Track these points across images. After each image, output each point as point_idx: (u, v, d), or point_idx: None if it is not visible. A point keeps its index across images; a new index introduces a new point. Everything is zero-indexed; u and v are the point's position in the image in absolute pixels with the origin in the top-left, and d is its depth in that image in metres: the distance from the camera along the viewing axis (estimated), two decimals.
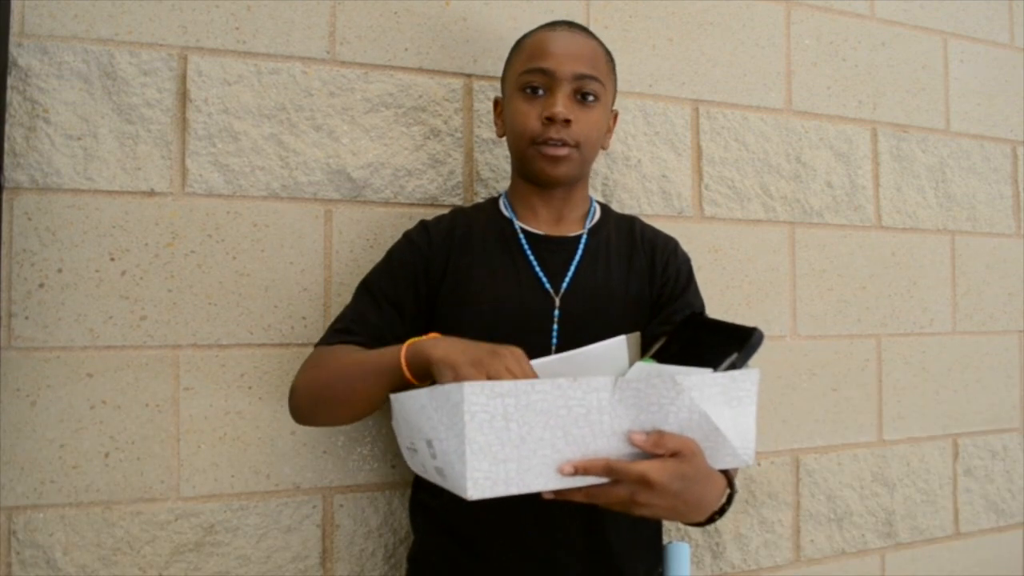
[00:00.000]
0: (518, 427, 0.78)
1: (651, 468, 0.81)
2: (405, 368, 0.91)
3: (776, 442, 1.54)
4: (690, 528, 1.44)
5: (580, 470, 0.80)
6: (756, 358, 0.89)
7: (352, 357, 1.02)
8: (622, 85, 1.44)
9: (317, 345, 1.11)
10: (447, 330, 1.07)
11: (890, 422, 1.67)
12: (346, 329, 1.08)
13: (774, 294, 1.56)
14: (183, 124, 1.17)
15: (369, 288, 1.11)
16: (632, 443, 0.82)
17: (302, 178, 1.23)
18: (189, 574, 1.14)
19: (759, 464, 1.52)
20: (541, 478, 0.79)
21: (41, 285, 1.10)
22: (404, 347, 0.93)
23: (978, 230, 1.80)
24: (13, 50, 1.09)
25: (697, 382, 0.82)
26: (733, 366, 0.86)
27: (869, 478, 1.63)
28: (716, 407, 0.84)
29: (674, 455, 0.82)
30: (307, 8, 1.24)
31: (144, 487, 1.13)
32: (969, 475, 1.75)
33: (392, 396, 0.95)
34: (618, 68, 1.44)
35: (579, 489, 0.82)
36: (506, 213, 1.16)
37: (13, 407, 1.08)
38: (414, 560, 1.15)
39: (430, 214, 1.25)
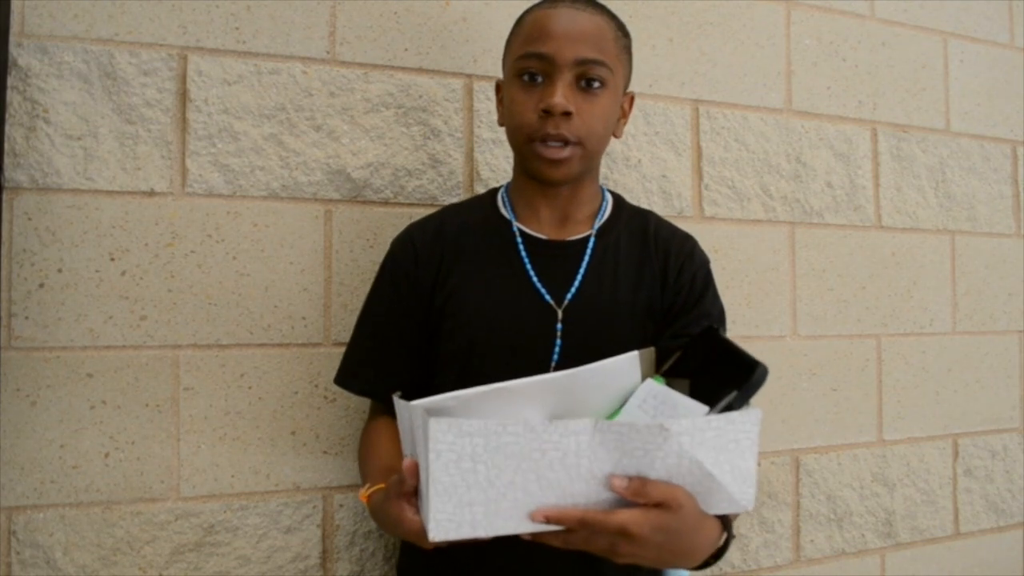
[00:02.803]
0: (486, 469, 0.73)
1: (631, 520, 0.74)
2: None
3: (776, 442, 1.54)
4: None
5: (553, 519, 0.74)
6: (755, 357, 0.87)
7: (363, 468, 1.08)
8: None
9: (363, 398, 1.18)
10: (444, 344, 1.05)
11: (890, 422, 1.67)
12: (365, 387, 1.10)
13: (774, 294, 1.56)
14: (183, 124, 1.17)
15: (372, 321, 1.10)
16: (612, 489, 0.75)
17: (302, 178, 1.23)
18: (189, 574, 1.14)
19: (759, 464, 1.52)
20: (511, 522, 0.74)
21: (41, 285, 1.10)
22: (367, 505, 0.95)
23: (978, 230, 1.80)
24: (13, 50, 1.09)
25: (688, 427, 0.75)
26: (730, 407, 0.80)
27: (869, 478, 1.63)
28: (710, 452, 0.77)
29: (658, 505, 0.75)
30: (307, 8, 1.24)
31: (144, 487, 1.13)
32: (969, 475, 1.75)
33: (396, 402, 0.90)
34: None
35: (555, 534, 0.76)
36: (504, 213, 1.08)
37: (13, 407, 1.08)
38: (404, 571, 1.13)
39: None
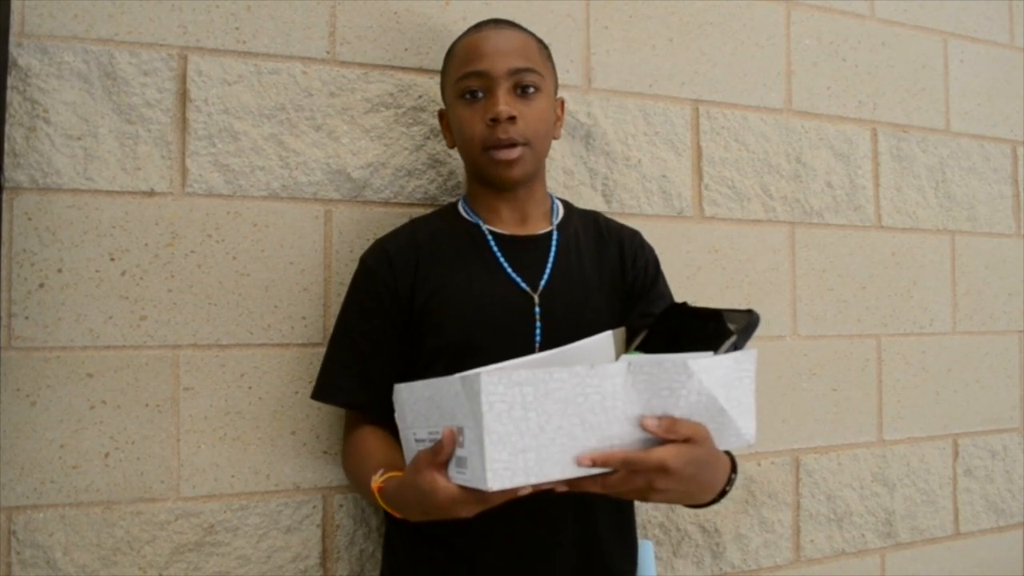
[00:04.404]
0: (537, 416, 0.78)
1: (668, 455, 0.82)
2: (393, 513, 0.96)
3: (776, 442, 1.54)
4: (689, 528, 1.45)
5: (599, 462, 0.81)
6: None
7: (359, 471, 1.07)
8: (622, 85, 1.44)
9: (340, 411, 1.18)
10: (429, 340, 1.08)
11: (890, 422, 1.67)
12: (348, 399, 1.12)
13: (774, 294, 1.56)
14: (183, 124, 1.17)
15: (349, 335, 1.12)
16: (645, 428, 0.83)
17: (302, 178, 1.23)
18: (189, 574, 1.14)
19: (759, 464, 1.52)
20: (559, 467, 0.80)
21: (41, 285, 1.10)
22: (379, 499, 0.96)
23: (978, 230, 1.80)
24: (13, 50, 1.09)
25: (705, 365, 0.83)
26: (735, 347, 0.87)
27: (869, 478, 1.63)
28: (722, 388, 0.85)
29: (687, 440, 0.84)
30: (307, 8, 1.24)
31: (144, 487, 1.13)
32: (969, 475, 1.75)
33: (406, 386, 0.95)
34: (618, 68, 1.44)
35: (594, 480, 0.82)
36: (470, 218, 1.15)
37: (13, 407, 1.08)
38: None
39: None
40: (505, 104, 1.07)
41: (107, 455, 1.12)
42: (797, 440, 1.57)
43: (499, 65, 1.08)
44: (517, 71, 1.09)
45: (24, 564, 1.07)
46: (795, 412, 1.57)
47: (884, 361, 1.66)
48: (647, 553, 1.21)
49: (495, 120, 1.07)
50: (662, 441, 0.83)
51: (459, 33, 1.19)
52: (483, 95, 1.09)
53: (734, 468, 0.99)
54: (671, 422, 0.83)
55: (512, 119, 1.07)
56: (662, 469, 0.82)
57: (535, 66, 1.11)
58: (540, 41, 1.16)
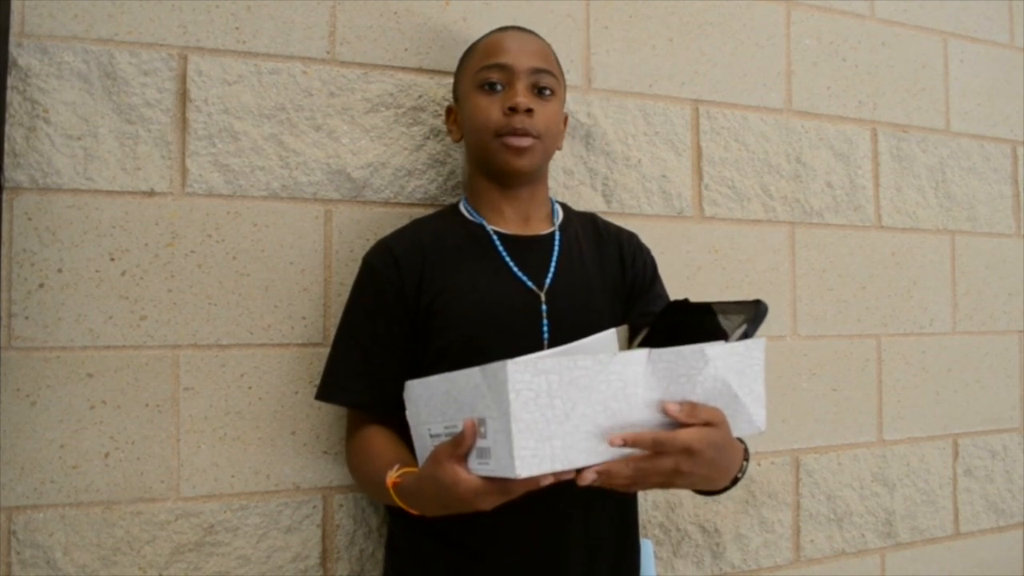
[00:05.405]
0: (562, 403, 0.79)
1: (692, 437, 0.84)
2: (410, 511, 0.96)
3: (776, 442, 1.54)
4: (689, 528, 1.45)
5: (630, 442, 0.82)
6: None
7: (368, 469, 1.07)
8: (622, 85, 1.45)
9: (343, 408, 1.17)
10: (435, 340, 1.09)
11: (890, 422, 1.67)
12: (353, 399, 1.11)
13: (774, 294, 1.56)
14: (183, 124, 1.17)
15: (353, 335, 1.12)
16: (667, 413, 0.84)
17: (302, 178, 1.23)
18: (189, 574, 1.14)
19: (759, 464, 1.52)
20: (584, 454, 0.81)
21: (41, 285, 1.10)
22: (394, 494, 0.96)
23: (978, 230, 1.80)
24: (13, 50, 1.09)
25: (721, 352, 0.86)
26: (746, 335, 0.89)
27: (869, 478, 1.63)
28: (735, 375, 0.87)
29: (707, 424, 0.86)
30: (307, 8, 1.24)
31: (144, 487, 1.13)
32: (969, 475, 1.75)
33: (419, 381, 0.95)
34: (618, 68, 1.45)
35: (624, 468, 0.83)
36: (472, 218, 1.16)
37: (13, 407, 1.08)
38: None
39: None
40: (524, 96, 1.10)
41: (107, 455, 1.12)
42: (797, 440, 1.57)
43: (522, 61, 1.12)
44: (538, 71, 1.12)
45: (24, 564, 1.07)
46: (795, 412, 1.57)
47: (884, 361, 1.66)
48: (647, 553, 1.21)
49: (513, 109, 1.09)
50: (681, 427, 0.85)
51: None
52: (502, 88, 1.12)
53: (746, 455, 1.00)
54: (691, 407, 0.85)
55: (529, 111, 1.10)
56: (687, 451, 0.83)
57: (553, 71, 1.15)
58: (556, 56, 1.20)
